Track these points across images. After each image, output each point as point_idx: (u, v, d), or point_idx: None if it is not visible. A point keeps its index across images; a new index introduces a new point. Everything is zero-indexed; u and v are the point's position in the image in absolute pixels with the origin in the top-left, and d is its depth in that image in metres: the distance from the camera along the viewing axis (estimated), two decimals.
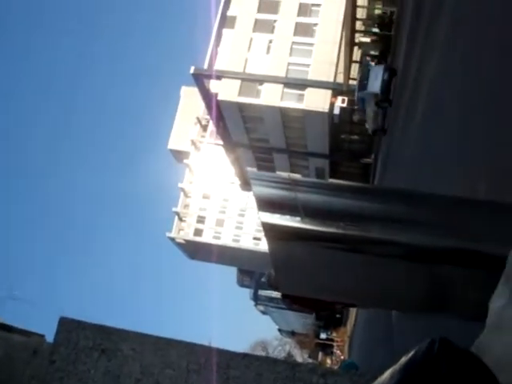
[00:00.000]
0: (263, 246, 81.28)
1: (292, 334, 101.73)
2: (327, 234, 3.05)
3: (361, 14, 47.00)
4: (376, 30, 49.45)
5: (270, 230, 3.13)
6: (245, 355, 2.58)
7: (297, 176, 3.68)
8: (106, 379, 2.57)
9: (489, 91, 5.93)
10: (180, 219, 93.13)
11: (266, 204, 3.19)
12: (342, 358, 62.28)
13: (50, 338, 2.89)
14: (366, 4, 49.66)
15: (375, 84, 27.98)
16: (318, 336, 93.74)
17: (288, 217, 3.09)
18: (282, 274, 3.53)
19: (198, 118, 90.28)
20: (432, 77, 11.77)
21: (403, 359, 1.35)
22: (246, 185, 65.32)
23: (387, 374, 1.37)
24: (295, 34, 54.64)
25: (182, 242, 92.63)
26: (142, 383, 2.53)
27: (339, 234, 3.02)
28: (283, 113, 51.75)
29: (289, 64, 53.49)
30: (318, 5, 54.88)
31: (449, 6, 10.76)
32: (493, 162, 5.18)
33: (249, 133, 55.70)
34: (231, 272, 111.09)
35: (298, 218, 3.04)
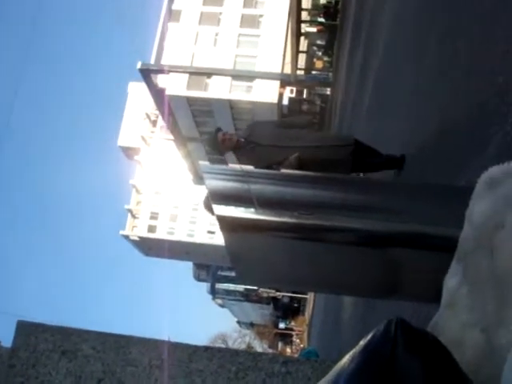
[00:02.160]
0: (218, 239, 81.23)
1: (251, 325, 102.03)
2: (282, 223, 3.07)
3: (306, 4, 47.17)
4: (322, 19, 49.76)
5: (224, 222, 3.14)
6: (206, 348, 2.59)
7: (249, 167, 3.70)
8: (67, 381, 2.55)
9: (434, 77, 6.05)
10: (133, 216, 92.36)
11: (219, 196, 3.20)
12: (302, 346, 62.76)
13: (5, 343, 2.85)
14: None
15: None
16: (276, 326, 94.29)
17: (242, 208, 3.10)
18: (240, 266, 3.54)
19: (147, 114, 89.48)
20: (377, 67, 11.92)
21: (362, 342, 1.38)
22: (198, 179, 65.12)
23: (347, 357, 1.40)
24: (241, 25, 54.64)
25: (136, 239, 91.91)
26: (104, 382, 2.52)
27: (294, 224, 3.05)
28: (232, 105, 51.77)
29: (236, 56, 53.49)
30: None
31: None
32: (442, 146, 5.30)
33: (199, 126, 55.52)
34: (187, 266, 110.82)
35: (253, 209, 3.06)
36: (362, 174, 7.24)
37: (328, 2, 49.37)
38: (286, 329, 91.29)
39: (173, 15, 54.46)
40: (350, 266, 3.23)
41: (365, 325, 7.45)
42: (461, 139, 4.51)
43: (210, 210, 3.80)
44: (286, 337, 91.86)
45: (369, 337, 1.37)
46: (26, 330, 2.61)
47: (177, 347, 2.56)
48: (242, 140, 6.10)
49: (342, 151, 6.17)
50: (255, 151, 6.02)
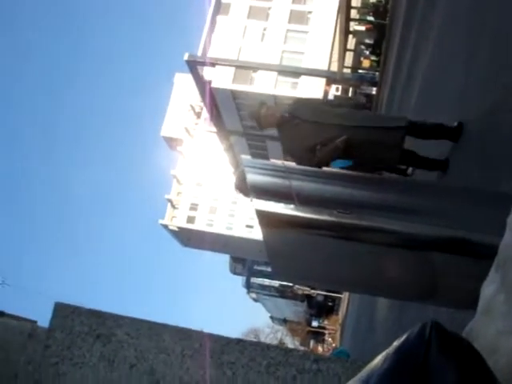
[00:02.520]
0: (256, 233, 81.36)
1: (284, 321, 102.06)
2: (321, 221, 3.07)
3: (356, 1, 46.84)
4: (371, 18, 49.39)
5: (263, 217, 3.15)
6: (239, 340, 2.61)
7: (291, 164, 3.70)
8: (100, 364, 2.59)
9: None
10: (173, 206, 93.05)
11: (259, 191, 3.21)
12: (334, 345, 62.56)
13: (42, 324, 2.91)
14: None
15: None
16: (309, 324, 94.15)
17: (282, 204, 3.11)
18: (277, 262, 3.55)
19: (191, 106, 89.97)
20: (426, 67, 11.79)
21: (395, 343, 1.37)
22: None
23: (379, 358, 1.39)
24: (290, 21, 54.55)
25: (175, 229, 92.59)
26: (136, 368, 2.55)
27: (332, 222, 3.04)
28: (277, 100, 51.69)
29: (283, 52, 53.44)
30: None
31: None
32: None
33: (242, 120, 55.62)
34: (224, 259, 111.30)
35: (292, 206, 3.06)
36: (410, 170, 6.90)
37: (378, 1, 48.96)
38: (319, 327, 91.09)
39: (222, 8, 54.66)
40: (387, 268, 3.20)
41: (399, 328, 7.39)
42: (508, 146, 4.44)
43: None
44: (318, 335, 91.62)
45: (403, 338, 1.37)
46: (64, 312, 2.66)
47: (210, 338, 2.58)
48: (287, 115, 5.73)
49: (393, 134, 5.64)
50: (299, 127, 5.61)
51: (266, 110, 5.80)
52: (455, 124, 6.13)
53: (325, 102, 6.66)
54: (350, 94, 51.85)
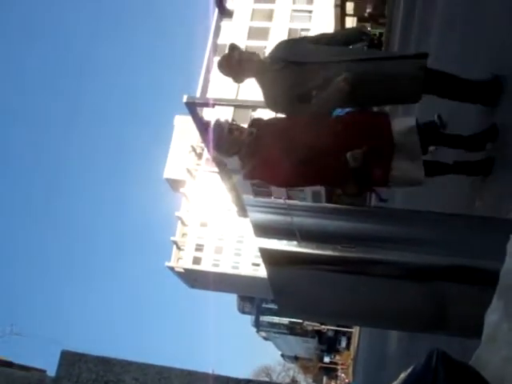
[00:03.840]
0: (263, 271, 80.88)
1: (295, 358, 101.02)
2: (325, 256, 3.07)
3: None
4: None
5: (267, 255, 3.16)
6: (248, 381, 2.60)
7: (292, 201, 3.71)
8: None
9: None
10: (178, 248, 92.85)
11: (262, 230, 3.22)
12: (347, 381, 61.83)
13: (51, 372, 2.89)
14: None
15: None
16: (321, 360, 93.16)
17: (285, 241, 3.12)
18: (283, 299, 3.54)
19: (192, 147, 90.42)
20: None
21: (402, 375, 1.37)
22: (242, 211, 65.24)
23: None
24: None
25: (181, 270, 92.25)
26: None
27: (337, 257, 3.05)
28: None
29: None
30: (307, 29, 55.35)
31: (435, 31, 10.75)
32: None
33: None
34: (232, 299, 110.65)
35: (295, 243, 3.07)
36: (433, 148, 5.20)
37: (372, 35, 49.10)
38: (331, 363, 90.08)
39: (218, 49, 55.22)
40: (393, 300, 3.20)
41: (410, 359, 7.32)
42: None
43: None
44: (330, 371, 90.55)
45: (410, 369, 1.37)
46: (70, 360, 2.65)
47: (219, 379, 2.57)
48: (268, 60, 4.61)
49: (410, 64, 4.24)
50: (285, 72, 4.31)
51: (238, 54, 4.58)
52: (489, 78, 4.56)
53: (311, 39, 4.71)
54: None
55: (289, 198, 3.84)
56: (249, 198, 3.45)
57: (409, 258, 2.99)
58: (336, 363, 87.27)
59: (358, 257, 3.05)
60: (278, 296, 3.45)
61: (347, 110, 4.45)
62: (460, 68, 5.57)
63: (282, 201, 3.52)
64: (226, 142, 4.24)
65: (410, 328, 4.39)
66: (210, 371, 2.69)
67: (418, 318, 3.35)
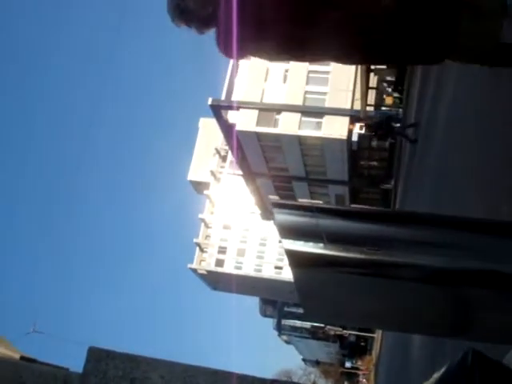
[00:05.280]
0: (285, 274, 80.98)
1: (316, 363, 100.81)
2: (350, 259, 3.07)
3: None
4: None
5: (293, 257, 3.16)
6: (273, 381, 2.60)
7: (318, 203, 3.72)
8: None
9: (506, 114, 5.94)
10: (201, 250, 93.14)
11: (288, 231, 3.23)
12: None
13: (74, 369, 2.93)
14: None
15: None
16: (342, 365, 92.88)
17: (311, 243, 3.12)
18: (309, 302, 3.55)
19: (216, 149, 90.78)
20: (449, 99, 11.80)
21: (435, 375, 1.37)
22: (266, 214, 65.31)
23: None
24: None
25: (204, 272, 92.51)
26: None
27: (362, 259, 3.04)
28: (301, 141, 51.88)
29: (306, 92, 53.78)
30: None
31: None
32: None
33: (268, 162, 55.86)
34: (254, 302, 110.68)
35: (321, 245, 3.07)
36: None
37: None
38: (353, 368, 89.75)
39: None
40: (418, 304, 3.19)
41: (434, 365, 7.28)
42: None
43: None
44: (352, 376, 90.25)
45: (444, 368, 1.37)
46: (97, 356, 2.68)
47: (243, 379, 2.58)
48: None
49: None
50: None
51: None
52: None
53: None
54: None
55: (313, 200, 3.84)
56: (275, 199, 3.46)
57: (435, 262, 2.98)
58: (357, 368, 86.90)
59: (383, 259, 3.04)
60: (304, 299, 3.46)
61: None
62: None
63: (307, 203, 3.52)
64: None
65: (435, 333, 4.37)
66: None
67: (443, 322, 3.33)
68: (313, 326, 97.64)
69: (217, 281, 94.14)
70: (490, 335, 3.18)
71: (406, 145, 27.54)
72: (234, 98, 50.84)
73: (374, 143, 51.69)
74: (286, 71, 55.11)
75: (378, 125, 24.97)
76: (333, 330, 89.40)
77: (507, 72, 4.76)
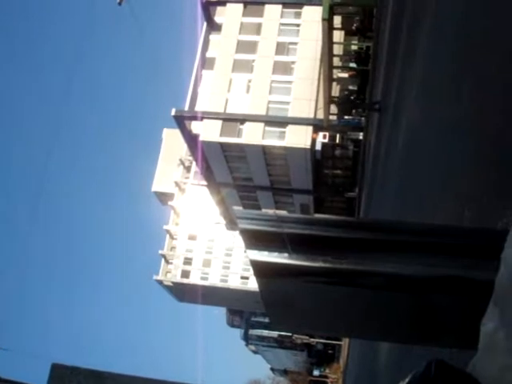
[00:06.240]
0: (251, 284, 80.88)
1: (285, 372, 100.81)
2: (315, 268, 3.06)
3: (337, 50, 47.57)
4: (353, 65, 50.11)
5: (258, 267, 3.14)
6: None
7: (282, 212, 3.71)
8: None
9: (471, 118, 6.02)
10: (166, 261, 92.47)
11: (253, 241, 3.21)
12: None
13: None
14: (342, 40, 50.35)
15: None
16: (311, 373, 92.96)
17: (276, 253, 3.10)
18: (274, 311, 3.53)
19: (180, 160, 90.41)
20: (410, 108, 11.93)
21: (401, 383, 1.36)
22: (231, 224, 65.24)
23: None
24: (274, 72, 55.14)
25: (170, 284, 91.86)
26: None
27: (327, 268, 3.04)
28: (265, 151, 51.96)
29: (269, 102, 53.89)
30: (295, 43, 55.62)
31: (422, 43, 10.96)
32: (477, 188, 5.24)
33: (232, 172, 55.81)
34: (221, 313, 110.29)
35: (286, 254, 3.06)
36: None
37: (359, 48, 49.75)
38: (321, 376, 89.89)
39: (207, 63, 55.32)
40: (385, 311, 3.19)
41: (400, 372, 7.31)
42: (498, 184, 4.47)
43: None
44: None
45: (408, 378, 1.36)
46: (61, 373, 2.63)
47: None
48: None
49: None
50: None
51: None
52: None
53: None
54: (337, 141, 52.28)
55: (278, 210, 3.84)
56: (239, 209, 3.44)
57: (399, 270, 2.99)
58: (326, 376, 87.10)
59: (348, 268, 3.04)
60: (270, 308, 3.44)
61: None
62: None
63: (271, 212, 3.51)
64: None
65: (402, 340, 4.38)
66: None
67: (410, 329, 3.34)
68: (280, 335, 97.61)
69: (183, 292, 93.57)
70: (458, 341, 3.19)
71: (370, 151, 27.79)
72: (198, 108, 50.80)
73: (338, 152, 52.06)
74: (249, 81, 55.24)
75: (345, 99, 26.24)
76: (300, 338, 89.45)
77: None
